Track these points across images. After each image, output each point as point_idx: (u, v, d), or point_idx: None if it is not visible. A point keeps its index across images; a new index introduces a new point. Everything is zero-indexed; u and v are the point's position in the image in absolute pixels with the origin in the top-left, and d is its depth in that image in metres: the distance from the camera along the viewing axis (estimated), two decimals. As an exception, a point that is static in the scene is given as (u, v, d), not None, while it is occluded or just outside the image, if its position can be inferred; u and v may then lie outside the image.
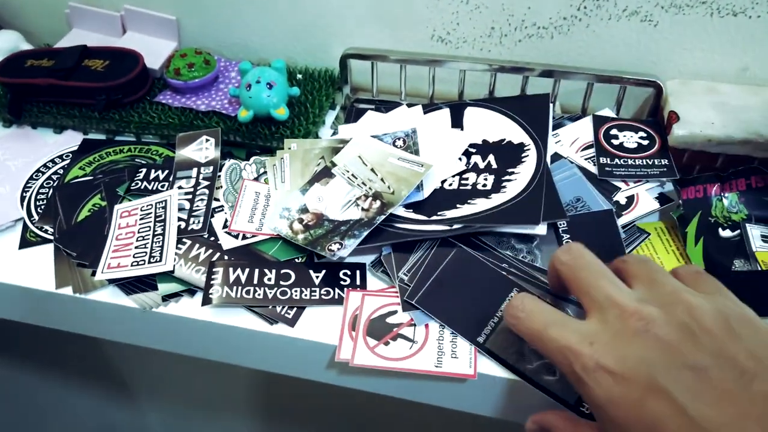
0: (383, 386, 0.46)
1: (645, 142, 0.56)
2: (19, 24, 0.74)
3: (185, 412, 1.16)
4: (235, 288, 0.47)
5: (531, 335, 0.37)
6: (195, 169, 0.57)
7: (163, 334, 0.49)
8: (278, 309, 0.47)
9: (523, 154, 0.54)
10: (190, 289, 0.48)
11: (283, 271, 0.49)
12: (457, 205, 0.51)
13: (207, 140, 0.59)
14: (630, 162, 0.54)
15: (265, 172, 0.57)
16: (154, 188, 0.56)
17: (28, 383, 1.13)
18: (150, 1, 0.68)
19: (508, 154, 0.55)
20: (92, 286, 0.49)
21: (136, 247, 0.50)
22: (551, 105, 0.58)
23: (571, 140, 0.57)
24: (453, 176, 0.54)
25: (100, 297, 0.48)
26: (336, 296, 0.47)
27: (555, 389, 0.41)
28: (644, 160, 0.54)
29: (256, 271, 0.49)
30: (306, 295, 0.47)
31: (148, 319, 0.48)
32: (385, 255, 0.49)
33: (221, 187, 0.56)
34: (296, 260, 0.50)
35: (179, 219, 0.52)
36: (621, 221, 0.50)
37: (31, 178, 0.59)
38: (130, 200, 0.55)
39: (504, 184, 0.52)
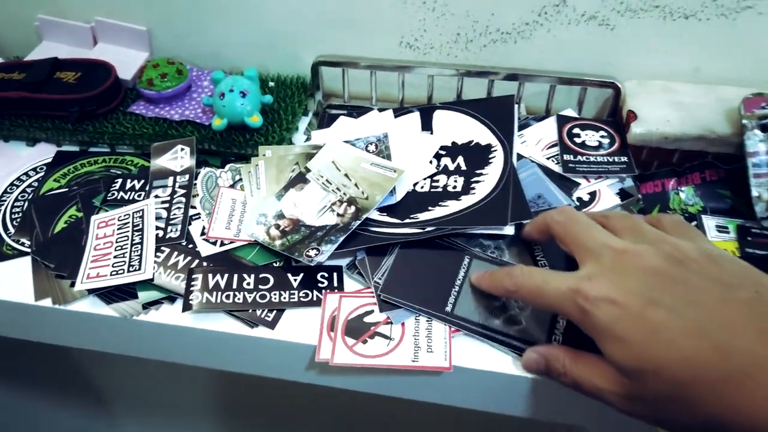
0: (363, 384, 0.48)
1: (606, 141, 0.58)
2: (-13, 37, 0.74)
3: (162, 421, 1.16)
4: (215, 293, 0.48)
5: (532, 292, 0.40)
6: (171, 178, 0.58)
7: (144, 342, 0.50)
8: (258, 312, 0.48)
9: (490, 155, 0.56)
10: (171, 297, 0.49)
11: (261, 276, 0.50)
12: (429, 208, 0.53)
13: (182, 149, 0.60)
14: (592, 159, 0.56)
15: (241, 179, 0.58)
16: (131, 198, 0.57)
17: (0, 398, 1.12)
18: (121, 12, 0.69)
19: (476, 156, 0.57)
20: (72, 297, 0.49)
21: (114, 257, 0.51)
22: (516, 106, 0.60)
23: (536, 140, 0.59)
24: (424, 179, 0.56)
25: (80, 307, 0.49)
26: (314, 298, 0.49)
27: (523, 336, 0.44)
28: (605, 158, 0.56)
29: (235, 276, 0.50)
30: (285, 298, 0.49)
31: (130, 327, 0.49)
32: (359, 259, 0.51)
33: (198, 195, 0.57)
34: (274, 264, 0.51)
35: (157, 228, 0.53)
36: (585, 217, 0.52)
37: (5, 191, 0.59)
38: (107, 210, 0.56)
39: (473, 185, 0.54)
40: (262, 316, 0.48)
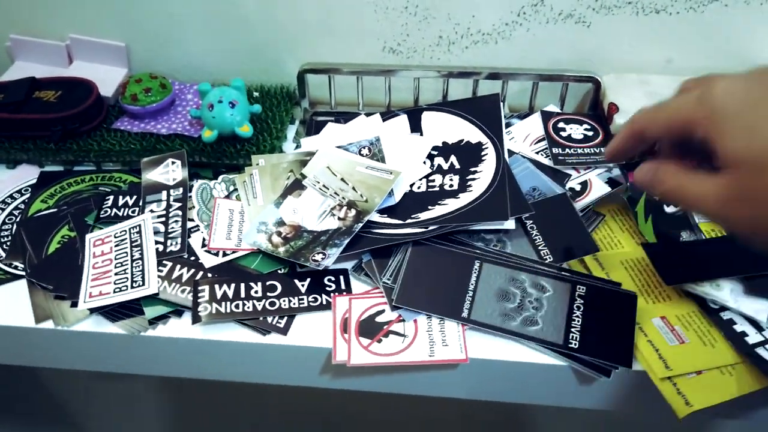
0: (379, 384, 0.48)
1: (590, 133, 0.60)
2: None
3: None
4: (223, 303, 0.48)
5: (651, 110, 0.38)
6: (164, 192, 0.57)
7: (154, 357, 0.49)
8: (269, 319, 0.48)
9: (482, 153, 0.58)
10: (177, 310, 0.49)
11: (268, 283, 0.50)
12: (429, 207, 0.54)
13: (173, 162, 0.59)
14: (579, 151, 0.58)
15: (236, 189, 0.58)
16: (125, 214, 0.56)
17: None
18: (96, 28, 0.68)
19: (468, 154, 0.58)
20: (74, 318, 0.48)
21: (115, 274, 0.50)
22: (501, 104, 0.62)
23: (524, 136, 0.61)
24: (420, 179, 0.57)
25: (85, 327, 0.48)
26: (324, 302, 0.49)
27: (541, 336, 0.45)
28: (592, 149, 0.59)
29: (242, 285, 0.50)
30: (294, 304, 0.49)
31: (138, 344, 0.48)
32: (366, 261, 0.51)
33: (193, 207, 0.56)
34: (279, 271, 0.51)
35: (156, 242, 0.53)
36: (578, 206, 0.54)
37: (-10, 215, 0.57)
38: (101, 228, 0.55)
39: (469, 183, 0.55)
40: (274, 323, 0.48)
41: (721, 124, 0.34)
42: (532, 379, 0.46)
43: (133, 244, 0.52)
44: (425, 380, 0.47)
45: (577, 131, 0.61)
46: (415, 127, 0.62)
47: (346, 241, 0.50)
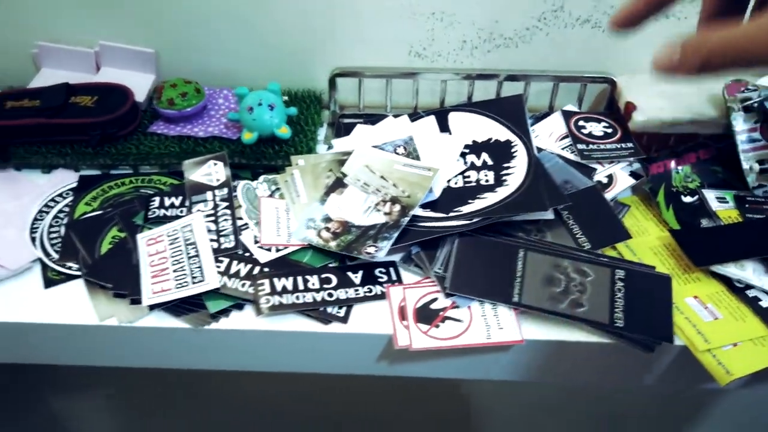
0: (435, 369, 0.51)
1: (609, 130, 0.64)
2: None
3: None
4: (284, 296, 0.50)
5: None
6: (210, 192, 0.59)
7: (218, 350, 0.51)
8: (329, 310, 0.50)
9: (512, 150, 0.61)
10: (238, 304, 0.51)
11: (323, 276, 0.52)
12: (469, 201, 0.57)
13: (215, 164, 0.61)
14: (602, 147, 0.62)
15: (278, 189, 0.60)
16: (173, 215, 0.57)
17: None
18: (124, 35, 0.69)
19: (498, 151, 0.61)
20: (136, 314, 0.50)
21: (174, 271, 0.52)
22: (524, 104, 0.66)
23: (548, 133, 0.65)
24: (456, 175, 0.60)
25: (148, 323, 0.49)
26: (378, 292, 0.51)
27: (589, 317, 0.48)
28: (613, 144, 0.62)
29: (299, 278, 0.52)
30: (351, 295, 0.51)
31: (203, 337, 0.49)
32: (415, 253, 0.54)
33: (240, 206, 0.58)
34: (329, 265, 0.53)
35: (210, 240, 0.54)
36: (607, 197, 0.58)
37: (35, 219, 0.58)
38: (150, 228, 0.56)
39: (504, 177, 0.58)
40: (334, 312, 0.50)
41: None
42: (579, 357, 0.50)
43: (187, 243, 0.54)
44: (481, 364, 0.50)
45: (596, 128, 0.65)
46: (443, 127, 0.65)
47: (396, 234, 0.53)
